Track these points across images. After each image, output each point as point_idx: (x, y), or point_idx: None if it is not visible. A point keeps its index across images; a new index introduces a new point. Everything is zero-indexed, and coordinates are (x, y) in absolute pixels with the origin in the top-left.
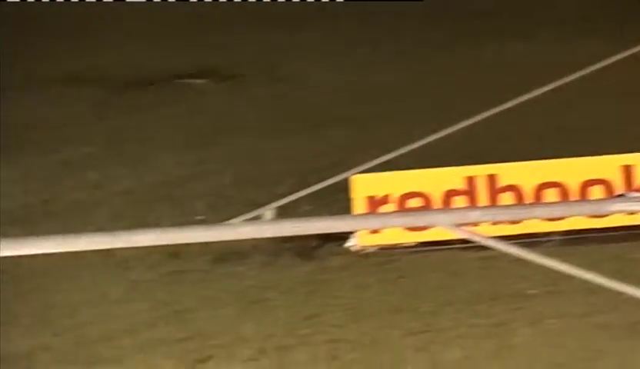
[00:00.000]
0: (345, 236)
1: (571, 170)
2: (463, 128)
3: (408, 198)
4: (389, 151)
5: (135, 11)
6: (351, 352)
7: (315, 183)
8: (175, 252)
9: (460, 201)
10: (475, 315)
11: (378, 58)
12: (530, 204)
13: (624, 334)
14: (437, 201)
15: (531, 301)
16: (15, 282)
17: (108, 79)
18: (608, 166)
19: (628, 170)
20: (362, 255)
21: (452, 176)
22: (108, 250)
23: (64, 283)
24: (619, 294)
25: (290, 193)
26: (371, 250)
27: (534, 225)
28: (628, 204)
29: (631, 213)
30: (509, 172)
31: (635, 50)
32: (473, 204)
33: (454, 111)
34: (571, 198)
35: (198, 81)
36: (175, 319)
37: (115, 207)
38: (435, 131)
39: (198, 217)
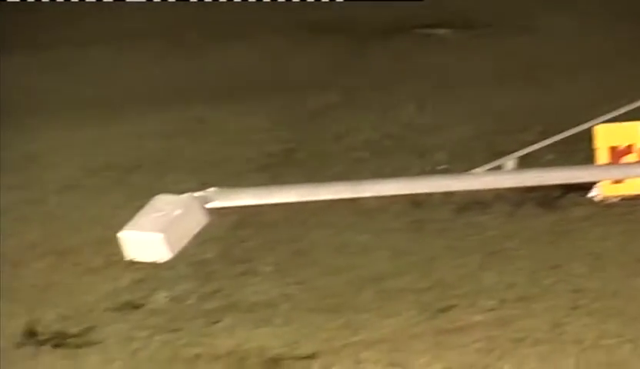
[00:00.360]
0: (587, 186)
1: None
2: None
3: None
4: (634, 101)
5: None
6: (594, 302)
7: (558, 133)
8: (417, 202)
9: None
10: None
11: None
12: None
13: None
14: None
15: None
16: (259, 231)
17: (354, 27)
18: None
19: None
20: (605, 205)
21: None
22: (351, 199)
23: (308, 232)
24: None
25: (532, 143)
26: (613, 200)
27: None
28: None
29: None
30: None
31: None
32: None
33: None
34: None
35: (440, 30)
36: (417, 268)
37: (356, 157)
38: None
39: (440, 167)
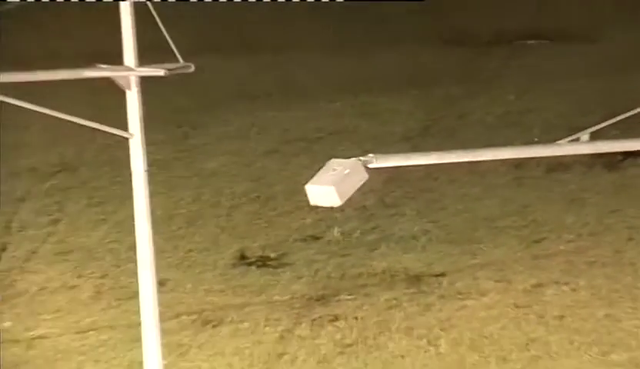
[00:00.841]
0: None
1: None
2: None
3: None
4: None
5: None
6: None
7: (621, 114)
8: (518, 164)
9: None
10: None
11: None
12: None
13: None
14: None
15: None
16: (404, 185)
17: (472, 40)
18: None
19: None
20: None
21: None
22: (470, 162)
23: (439, 186)
24: None
25: (601, 122)
26: None
27: None
28: None
29: None
30: None
31: None
32: None
33: None
34: None
35: (533, 41)
36: (517, 212)
37: (474, 132)
38: None
39: (535, 139)
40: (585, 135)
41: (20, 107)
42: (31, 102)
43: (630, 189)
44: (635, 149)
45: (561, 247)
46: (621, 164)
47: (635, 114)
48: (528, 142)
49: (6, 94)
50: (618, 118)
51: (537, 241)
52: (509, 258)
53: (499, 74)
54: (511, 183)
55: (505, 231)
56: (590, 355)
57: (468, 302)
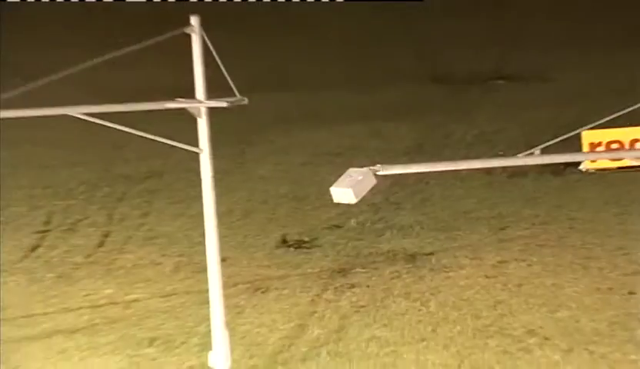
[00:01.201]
0: (578, 163)
1: None
2: None
3: (611, 143)
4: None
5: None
6: (582, 225)
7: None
8: (489, 171)
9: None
10: None
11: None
12: None
13: None
14: (626, 145)
15: None
16: (403, 188)
17: (454, 79)
18: None
19: None
20: (586, 173)
21: (635, 133)
22: (453, 170)
23: (430, 188)
24: None
25: (550, 141)
26: (592, 171)
27: None
28: None
29: None
30: None
31: None
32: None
33: None
34: None
35: (500, 81)
36: (488, 207)
37: (456, 148)
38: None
39: (500, 153)
40: (537, 150)
41: (118, 130)
42: (126, 125)
43: (570, 190)
44: (574, 161)
45: (519, 233)
46: (563, 171)
47: (575, 135)
48: (496, 155)
49: (108, 120)
50: (562, 137)
51: (502, 229)
52: (481, 242)
53: (475, 106)
54: (483, 185)
55: (478, 221)
56: (541, 313)
57: (451, 274)
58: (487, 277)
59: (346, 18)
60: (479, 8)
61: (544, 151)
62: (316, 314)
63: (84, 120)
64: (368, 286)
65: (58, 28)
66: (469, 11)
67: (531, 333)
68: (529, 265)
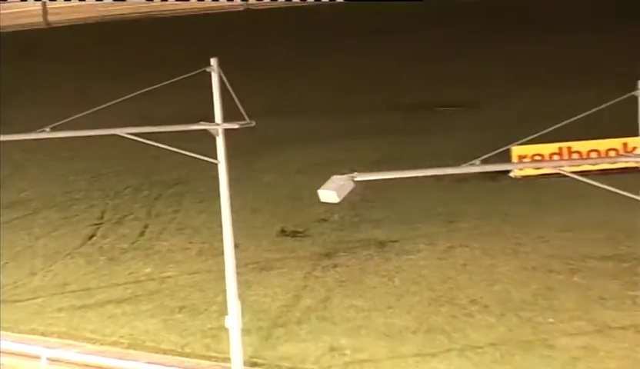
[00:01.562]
0: (509, 171)
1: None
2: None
3: (535, 156)
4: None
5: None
6: (505, 217)
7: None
8: (439, 178)
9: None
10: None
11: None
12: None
13: None
14: (546, 157)
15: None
16: (375, 191)
17: (407, 107)
18: None
19: None
20: (516, 179)
21: (552, 148)
22: (413, 177)
23: (394, 191)
24: None
25: (488, 154)
26: (519, 177)
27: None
28: None
29: None
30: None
31: None
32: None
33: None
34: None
35: (442, 108)
36: (440, 206)
37: (413, 160)
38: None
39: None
40: (478, 161)
41: (154, 146)
42: (161, 143)
43: (503, 193)
44: (506, 169)
45: (464, 225)
46: (498, 178)
47: (506, 149)
48: (445, 165)
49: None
50: (497, 151)
51: (450, 222)
52: (435, 232)
53: (425, 128)
54: (436, 189)
55: (432, 216)
56: (482, 286)
57: (411, 256)
58: (439, 259)
59: (329, 62)
60: (424, 49)
61: (483, 162)
62: (307, 287)
63: (128, 138)
64: (347, 266)
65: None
66: (416, 51)
67: (473, 302)
68: (472, 250)
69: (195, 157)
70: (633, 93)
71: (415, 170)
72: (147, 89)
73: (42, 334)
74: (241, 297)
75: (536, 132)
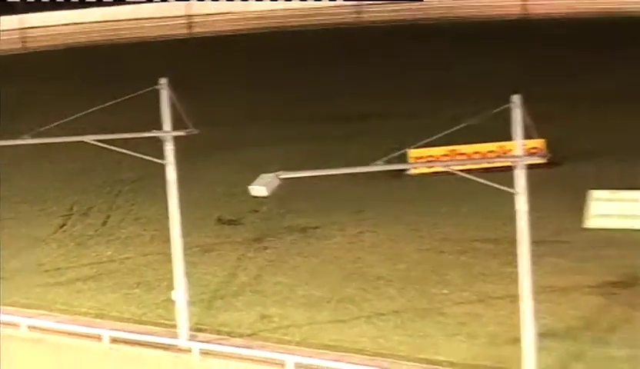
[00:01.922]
0: (407, 170)
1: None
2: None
3: (428, 157)
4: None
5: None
6: (413, 208)
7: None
8: (354, 175)
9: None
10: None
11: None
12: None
13: None
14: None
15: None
16: (298, 186)
17: (330, 119)
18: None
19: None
20: (413, 176)
21: (442, 151)
22: (328, 175)
23: (314, 184)
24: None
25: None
26: (416, 175)
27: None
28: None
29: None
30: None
31: None
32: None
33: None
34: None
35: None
36: (353, 199)
37: (331, 162)
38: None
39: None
40: (381, 161)
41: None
42: (118, 147)
43: (403, 188)
44: (403, 168)
45: (371, 214)
46: (398, 175)
47: (404, 152)
48: (355, 165)
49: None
50: (397, 153)
51: (361, 212)
52: (348, 220)
53: (347, 136)
54: (350, 185)
55: (346, 207)
56: (386, 264)
57: (327, 241)
58: (350, 242)
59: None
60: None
61: (386, 163)
62: (242, 266)
63: (92, 144)
64: (275, 248)
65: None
66: (346, 66)
67: (379, 277)
68: (378, 235)
69: (149, 160)
70: (509, 105)
71: (330, 169)
72: (107, 104)
73: (22, 306)
74: (187, 274)
75: (429, 137)
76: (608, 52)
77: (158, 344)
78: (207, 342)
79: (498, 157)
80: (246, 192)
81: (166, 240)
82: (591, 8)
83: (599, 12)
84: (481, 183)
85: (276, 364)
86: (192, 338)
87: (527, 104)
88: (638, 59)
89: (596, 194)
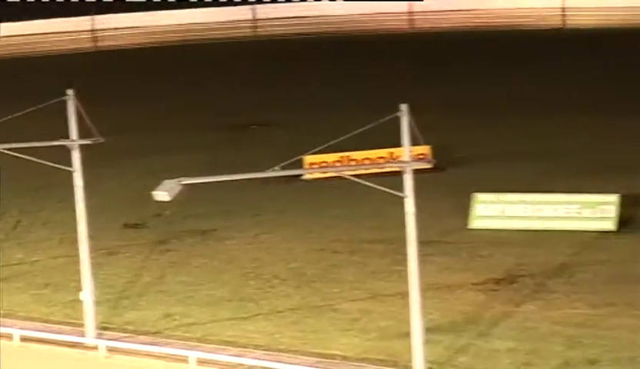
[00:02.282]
0: (301, 175)
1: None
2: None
3: (322, 163)
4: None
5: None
6: (304, 210)
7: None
8: (250, 180)
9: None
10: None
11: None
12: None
13: None
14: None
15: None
16: (198, 190)
17: (229, 127)
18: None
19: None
20: (306, 181)
21: (335, 157)
22: (229, 181)
23: (214, 191)
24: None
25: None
26: (310, 180)
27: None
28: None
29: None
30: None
31: None
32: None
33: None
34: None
35: (255, 126)
36: (251, 201)
37: (231, 167)
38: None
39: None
40: (277, 167)
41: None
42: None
43: (299, 192)
44: (298, 173)
45: (268, 217)
46: (293, 180)
47: (299, 158)
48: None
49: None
50: (293, 159)
51: (258, 215)
52: (246, 223)
53: (246, 144)
54: (248, 190)
55: (244, 211)
56: (281, 264)
57: (227, 242)
58: (248, 243)
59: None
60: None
61: (282, 168)
62: (146, 268)
63: (3, 153)
64: (177, 250)
65: None
66: (245, 77)
67: (275, 276)
68: (274, 236)
69: (57, 167)
70: (397, 114)
71: (229, 175)
72: (16, 115)
73: None
74: (94, 275)
75: (323, 145)
76: (489, 64)
77: (66, 342)
78: (113, 340)
79: (388, 162)
80: (149, 198)
81: (74, 243)
82: (470, 23)
83: (479, 27)
84: (372, 187)
85: (179, 359)
86: (99, 336)
87: (414, 113)
88: (518, 71)
89: (479, 197)
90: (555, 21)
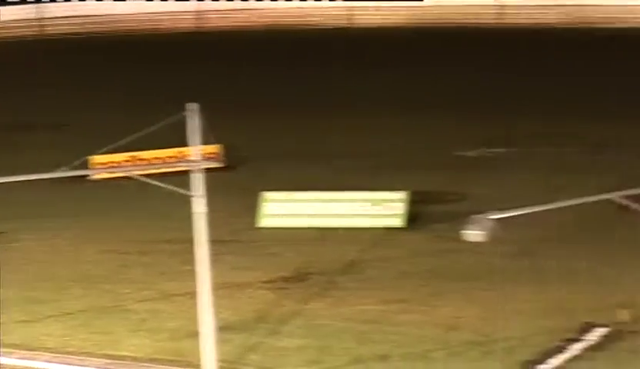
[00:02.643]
0: (88, 175)
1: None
2: None
3: (110, 163)
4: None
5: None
6: (99, 210)
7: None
8: (40, 182)
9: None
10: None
11: None
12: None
13: None
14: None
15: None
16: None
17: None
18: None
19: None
20: (94, 182)
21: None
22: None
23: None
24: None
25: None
26: (98, 180)
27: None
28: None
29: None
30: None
31: None
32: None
33: None
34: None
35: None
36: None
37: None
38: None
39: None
40: (65, 168)
41: None
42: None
43: (88, 193)
44: (86, 174)
45: (53, 219)
46: (82, 181)
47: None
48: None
49: None
50: (80, 160)
51: (43, 217)
52: (37, 225)
53: (34, 145)
54: (39, 191)
55: (26, 214)
56: (72, 266)
57: (14, 245)
58: (37, 246)
59: None
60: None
61: (70, 169)
62: None
63: None
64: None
65: None
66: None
67: (65, 279)
68: (62, 238)
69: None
70: (185, 112)
71: (13, 176)
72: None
73: None
74: None
75: (111, 145)
76: (283, 64)
77: None
78: None
79: (178, 162)
80: None
81: None
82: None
83: (269, 25)
84: (161, 187)
85: None
86: None
87: (205, 112)
88: (310, 71)
89: (268, 196)
90: (342, 20)
